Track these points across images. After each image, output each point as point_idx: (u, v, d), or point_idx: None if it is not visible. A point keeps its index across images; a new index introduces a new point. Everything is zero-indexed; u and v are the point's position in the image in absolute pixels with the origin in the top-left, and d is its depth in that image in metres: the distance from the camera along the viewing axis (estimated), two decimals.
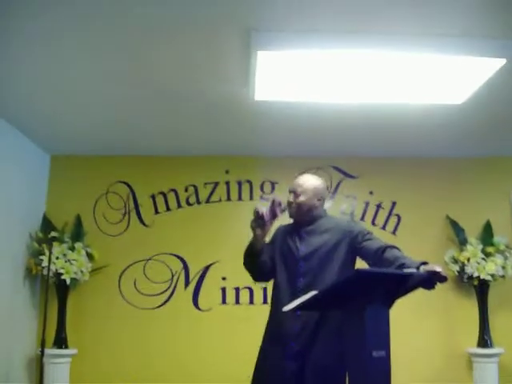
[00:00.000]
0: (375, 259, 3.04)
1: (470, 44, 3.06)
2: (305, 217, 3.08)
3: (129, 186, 5.10)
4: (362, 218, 5.15)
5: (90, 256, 4.79)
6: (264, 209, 2.98)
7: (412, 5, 2.71)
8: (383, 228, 5.18)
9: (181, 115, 4.18)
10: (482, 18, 2.84)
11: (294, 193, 3.10)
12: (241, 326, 4.78)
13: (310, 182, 3.14)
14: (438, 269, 2.72)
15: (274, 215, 3.01)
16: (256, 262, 3.15)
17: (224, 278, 4.96)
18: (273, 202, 3.02)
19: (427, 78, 3.44)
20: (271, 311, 3.12)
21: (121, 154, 5.06)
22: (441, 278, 2.75)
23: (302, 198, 3.09)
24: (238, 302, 4.94)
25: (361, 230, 3.17)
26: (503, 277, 4.88)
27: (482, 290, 4.94)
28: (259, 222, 3.00)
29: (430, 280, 2.77)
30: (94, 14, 2.76)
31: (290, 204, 3.09)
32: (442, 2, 2.69)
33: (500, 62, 3.19)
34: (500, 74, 3.34)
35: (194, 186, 5.11)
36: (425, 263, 2.82)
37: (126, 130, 4.53)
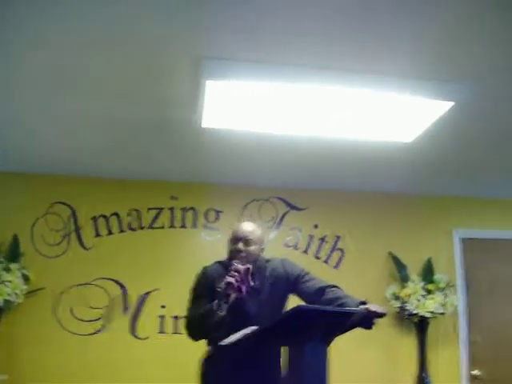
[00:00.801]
0: (315, 299, 3.04)
1: (420, 85, 3.10)
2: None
3: (70, 207, 4.95)
4: (306, 251, 5.13)
5: (25, 278, 4.60)
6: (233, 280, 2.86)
7: (365, 43, 2.73)
8: (326, 262, 5.16)
9: (127, 138, 4.09)
10: (432, 61, 2.88)
11: (245, 240, 3.07)
12: (178, 356, 4.67)
13: (257, 230, 3.16)
14: (374, 308, 2.74)
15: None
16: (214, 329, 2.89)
17: (163, 306, 4.84)
18: (247, 270, 2.96)
19: (378, 116, 3.46)
20: None
21: (63, 173, 4.90)
22: (379, 316, 2.77)
23: (252, 247, 3.08)
24: (176, 331, 4.83)
25: (300, 271, 3.18)
26: (443, 314, 4.92)
27: (421, 326, 4.97)
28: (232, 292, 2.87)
29: (368, 319, 2.78)
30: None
31: (239, 252, 3.04)
32: (394, 43, 2.71)
33: (448, 105, 3.25)
34: (448, 115, 3.39)
35: (137, 211, 5.00)
36: (364, 303, 2.83)
37: (69, 150, 4.38)
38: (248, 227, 3.16)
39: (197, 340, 3.04)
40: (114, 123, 3.80)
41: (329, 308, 2.86)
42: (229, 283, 2.84)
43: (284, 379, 2.78)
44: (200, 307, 2.96)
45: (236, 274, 2.88)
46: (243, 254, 3.04)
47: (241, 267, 2.91)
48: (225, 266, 3.11)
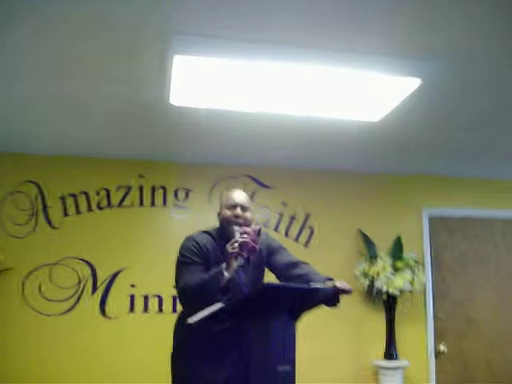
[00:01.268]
0: (285, 273, 3.05)
1: (388, 63, 3.08)
2: None
3: (37, 185, 4.87)
4: (276, 229, 5.14)
5: None
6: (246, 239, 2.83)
7: (334, 20, 2.70)
8: (296, 240, 5.18)
9: (95, 116, 4.02)
10: (400, 37, 2.86)
11: (243, 207, 3.05)
12: (149, 335, 4.67)
13: (248, 197, 3.14)
14: (341, 285, 2.76)
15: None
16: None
17: (133, 285, 4.82)
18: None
19: (345, 94, 3.46)
20: None
21: (31, 152, 4.82)
22: (345, 292, 2.79)
23: (248, 214, 3.06)
24: (146, 310, 4.82)
25: (279, 245, 3.19)
26: (411, 291, 4.98)
27: (390, 303, 5.03)
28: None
29: (335, 296, 2.81)
30: None
31: (238, 217, 3.01)
32: (360, 19, 2.69)
33: (416, 82, 3.24)
34: (417, 94, 3.40)
35: (106, 190, 4.95)
36: (330, 279, 2.84)
37: (37, 128, 4.30)
38: (241, 194, 3.12)
39: (195, 309, 2.73)
40: (80, 101, 3.73)
41: (295, 285, 2.87)
42: (243, 244, 2.80)
43: (252, 356, 2.78)
44: (197, 274, 2.87)
45: (246, 235, 2.84)
46: (241, 220, 3.01)
47: (250, 229, 2.88)
48: (212, 235, 3.08)
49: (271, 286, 2.59)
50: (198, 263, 2.94)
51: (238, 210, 3.03)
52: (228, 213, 3.05)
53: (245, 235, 2.85)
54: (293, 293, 2.76)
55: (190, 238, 3.06)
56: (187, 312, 2.79)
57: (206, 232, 3.13)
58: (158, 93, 3.48)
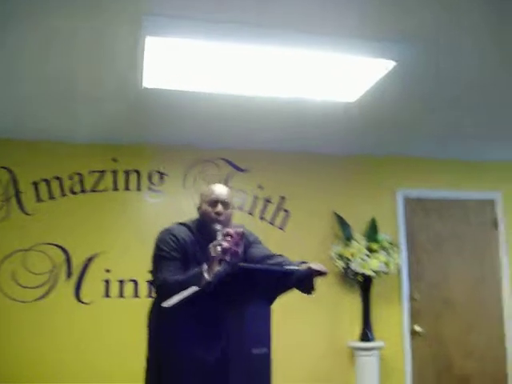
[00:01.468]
0: (261, 264, 3.04)
1: (363, 45, 3.08)
2: None
3: (9, 171, 4.80)
4: (251, 213, 5.13)
5: None
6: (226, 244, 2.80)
7: (305, 3, 2.68)
8: (271, 223, 5.18)
9: (66, 99, 3.96)
10: (373, 19, 2.86)
11: (224, 203, 3.02)
12: (124, 320, 4.65)
13: (230, 193, 3.10)
14: (316, 266, 2.76)
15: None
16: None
17: (108, 271, 4.78)
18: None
19: (320, 75, 3.45)
20: None
21: (2, 136, 4.73)
22: (321, 274, 2.79)
23: (229, 210, 3.04)
24: (121, 295, 4.79)
25: (255, 238, 3.18)
26: (386, 273, 5.02)
27: (365, 285, 5.06)
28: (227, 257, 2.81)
29: (309, 278, 2.81)
30: None
31: (219, 214, 2.99)
32: (334, 2, 2.68)
33: (390, 64, 3.25)
34: (391, 75, 3.40)
35: (80, 174, 4.89)
36: (304, 262, 2.84)
37: (7, 112, 4.23)
38: (223, 190, 3.09)
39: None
40: (52, 84, 3.67)
41: (271, 267, 2.87)
42: (226, 249, 2.78)
43: (228, 340, 2.78)
44: (176, 270, 2.86)
45: (229, 238, 2.82)
46: (222, 218, 2.99)
47: (233, 231, 2.85)
48: (190, 228, 3.05)
49: (246, 268, 2.58)
50: (176, 258, 2.91)
51: (220, 208, 3.00)
52: (209, 209, 3.02)
53: (228, 237, 2.82)
54: (268, 275, 2.76)
55: (167, 231, 3.03)
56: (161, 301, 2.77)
57: (183, 224, 3.09)
58: (130, 75, 3.43)
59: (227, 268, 2.81)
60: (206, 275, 2.74)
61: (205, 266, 2.77)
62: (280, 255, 3.10)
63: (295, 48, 3.07)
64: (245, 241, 3.11)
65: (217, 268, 2.78)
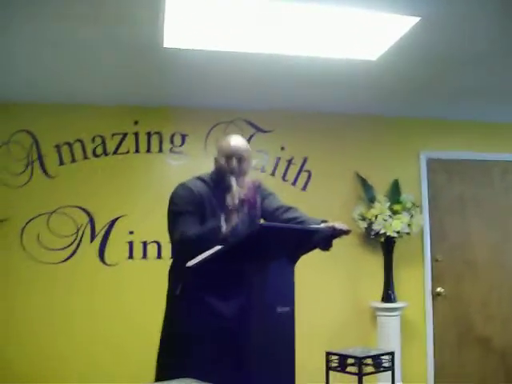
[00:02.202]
0: (275, 216, 3.03)
1: (386, 0, 3.01)
2: None
3: (32, 135, 4.82)
4: (273, 174, 5.12)
5: None
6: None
7: None
8: (293, 184, 5.16)
9: (88, 62, 3.93)
10: None
11: (240, 157, 2.97)
12: (148, 281, 4.69)
13: (247, 145, 3.04)
14: (338, 225, 2.74)
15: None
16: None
17: (131, 232, 4.83)
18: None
19: (343, 33, 3.41)
20: None
21: (24, 100, 4.74)
22: (344, 233, 2.79)
23: (245, 164, 2.98)
24: (145, 256, 4.84)
25: (270, 191, 3.17)
26: (408, 234, 5.00)
27: (387, 246, 5.06)
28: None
29: (328, 238, 2.81)
30: None
31: (233, 170, 2.93)
32: None
33: (414, 20, 3.18)
34: (414, 32, 3.33)
35: (102, 137, 4.90)
36: (325, 221, 2.83)
37: (29, 75, 4.21)
38: (240, 143, 3.02)
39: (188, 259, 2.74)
40: (74, 46, 3.64)
41: (293, 225, 2.86)
42: (243, 199, 2.81)
43: (251, 298, 2.79)
44: (193, 225, 2.83)
45: (246, 190, 2.84)
46: (236, 171, 2.93)
47: (250, 183, 2.87)
48: (206, 182, 3.01)
49: (268, 226, 2.57)
50: (192, 212, 2.88)
51: (234, 162, 2.95)
52: (224, 162, 2.98)
53: (245, 189, 2.84)
54: (290, 234, 2.75)
55: (183, 186, 2.99)
56: (182, 258, 2.76)
57: (199, 178, 3.05)
58: (151, 34, 3.39)
59: (250, 228, 2.81)
60: (223, 226, 2.75)
61: (222, 217, 2.77)
62: (295, 208, 3.09)
63: (318, 4, 3.01)
64: (261, 192, 3.10)
65: (235, 219, 2.78)
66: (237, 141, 3.03)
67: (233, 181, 2.86)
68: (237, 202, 2.79)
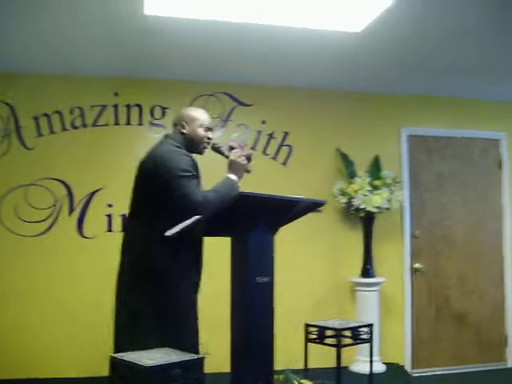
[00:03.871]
0: None
1: None
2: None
3: (9, 105, 4.74)
4: (254, 148, 5.07)
5: None
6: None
7: None
8: (274, 158, 5.14)
9: (65, 31, 3.86)
10: None
11: (212, 129, 3.19)
12: None
13: None
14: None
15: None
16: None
17: (110, 205, 4.78)
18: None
19: (327, 3, 3.36)
20: None
21: (1, 70, 4.64)
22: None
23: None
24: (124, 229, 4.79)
25: None
26: (388, 209, 5.02)
27: (367, 222, 5.08)
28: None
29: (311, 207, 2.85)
30: None
31: (210, 139, 3.13)
32: None
33: None
34: (399, 4, 3.30)
35: (80, 109, 4.83)
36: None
37: (7, 44, 4.12)
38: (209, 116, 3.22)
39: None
40: (52, 13, 3.55)
41: (274, 195, 2.85)
42: (249, 156, 3.01)
43: (231, 268, 2.79)
44: (201, 187, 2.94)
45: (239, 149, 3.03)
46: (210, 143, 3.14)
47: (241, 143, 3.18)
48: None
49: (248, 195, 2.56)
50: (197, 177, 2.94)
51: (211, 134, 3.14)
52: (202, 133, 3.10)
53: (239, 149, 3.02)
54: (270, 203, 2.74)
55: (182, 152, 2.97)
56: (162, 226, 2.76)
57: (178, 147, 3.03)
58: (131, 2, 3.32)
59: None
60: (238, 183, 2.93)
61: (233, 176, 2.93)
62: None
63: None
64: None
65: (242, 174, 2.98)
66: (207, 114, 3.20)
67: (231, 144, 3.08)
68: (244, 160, 2.99)
